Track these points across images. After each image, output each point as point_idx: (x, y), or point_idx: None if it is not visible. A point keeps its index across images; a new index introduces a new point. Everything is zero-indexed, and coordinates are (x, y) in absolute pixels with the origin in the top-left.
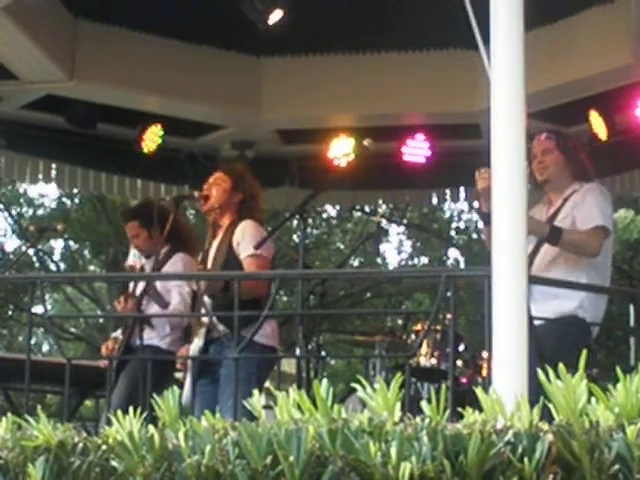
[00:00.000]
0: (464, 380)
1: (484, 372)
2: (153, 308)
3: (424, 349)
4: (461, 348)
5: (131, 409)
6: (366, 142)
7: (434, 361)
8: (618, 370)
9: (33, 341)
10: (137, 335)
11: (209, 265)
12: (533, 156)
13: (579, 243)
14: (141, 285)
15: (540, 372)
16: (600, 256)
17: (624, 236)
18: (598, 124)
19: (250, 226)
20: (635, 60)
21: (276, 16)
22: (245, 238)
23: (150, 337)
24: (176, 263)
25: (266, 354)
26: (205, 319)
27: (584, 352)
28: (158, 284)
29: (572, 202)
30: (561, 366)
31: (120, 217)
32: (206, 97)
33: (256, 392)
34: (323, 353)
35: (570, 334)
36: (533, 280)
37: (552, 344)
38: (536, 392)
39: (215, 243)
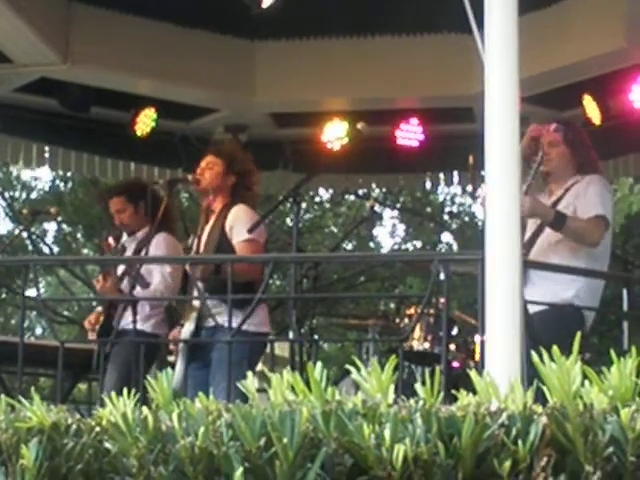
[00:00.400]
0: (456, 364)
1: (477, 356)
2: (134, 289)
3: (417, 333)
4: (454, 332)
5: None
6: (360, 126)
7: (427, 345)
8: (612, 353)
9: (26, 324)
10: (119, 318)
11: (201, 249)
12: (532, 143)
13: (581, 231)
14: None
15: (534, 355)
16: (601, 246)
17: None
18: (592, 108)
19: (243, 210)
20: (629, 44)
21: (270, 0)
22: (238, 223)
23: (131, 320)
24: (159, 244)
25: (255, 345)
26: (197, 303)
27: (577, 336)
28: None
29: (574, 192)
30: (555, 348)
31: (105, 195)
32: (200, 80)
33: (250, 374)
34: (316, 337)
35: (565, 322)
36: (527, 264)
37: (547, 331)
38: (530, 376)
39: (207, 228)
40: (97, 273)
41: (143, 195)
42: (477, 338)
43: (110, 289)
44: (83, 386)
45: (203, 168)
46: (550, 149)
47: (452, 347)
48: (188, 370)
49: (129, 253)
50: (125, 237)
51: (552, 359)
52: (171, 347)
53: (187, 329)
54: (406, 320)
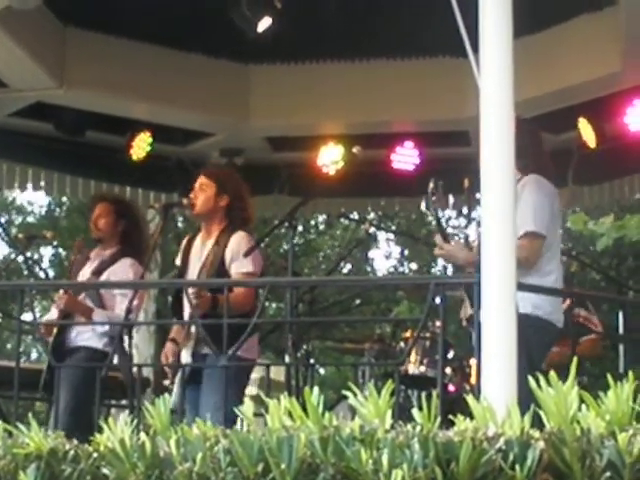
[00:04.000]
0: (452, 388)
1: (472, 380)
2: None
3: (413, 356)
4: (450, 355)
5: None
6: (355, 149)
7: (423, 368)
8: (609, 377)
9: (22, 348)
10: (71, 335)
11: (195, 272)
12: None
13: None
14: (84, 274)
15: (531, 380)
16: (542, 257)
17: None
18: (587, 132)
19: (244, 240)
20: (624, 67)
21: (265, 24)
22: (238, 254)
23: (88, 337)
24: (126, 269)
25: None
26: (193, 331)
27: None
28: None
29: None
30: (552, 374)
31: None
32: (195, 104)
33: (247, 400)
34: (312, 361)
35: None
36: (520, 287)
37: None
38: (526, 399)
39: (206, 248)
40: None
41: (129, 216)
42: (473, 361)
43: (74, 302)
44: None
45: (197, 190)
46: None
47: (448, 370)
48: (185, 392)
49: (88, 268)
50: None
51: (549, 384)
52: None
53: (183, 358)
54: (402, 344)
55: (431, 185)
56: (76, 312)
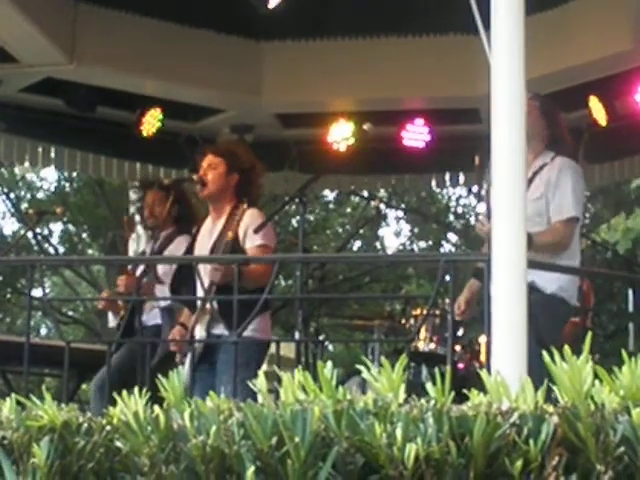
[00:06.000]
0: (461, 365)
1: (482, 357)
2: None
3: (422, 333)
4: (460, 333)
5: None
6: (366, 126)
7: (433, 346)
8: (623, 352)
9: (31, 324)
10: (142, 317)
11: (209, 248)
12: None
13: (550, 244)
14: (141, 267)
15: (545, 355)
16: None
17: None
18: (598, 110)
19: (256, 216)
20: (635, 45)
21: (276, 0)
22: (251, 229)
23: (155, 314)
24: (179, 245)
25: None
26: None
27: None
28: (159, 267)
29: (545, 180)
30: (566, 348)
31: (147, 184)
32: (206, 81)
33: (261, 375)
34: (322, 337)
35: (557, 313)
36: (531, 265)
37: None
38: (538, 374)
39: (217, 227)
40: (103, 274)
41: (183, 200)
42: (482, 339)
43: (132, 285)
44: (88, 386)
45: (205, 169)
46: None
47: (457, 348)
48: (196, 372)
49: (147, 249)
50: (133, 236)
51: (563, 358)
52: (172, 347)
53: (198, 333)
54: (412, 321)
55: (477, 160)
56: (137, 292)
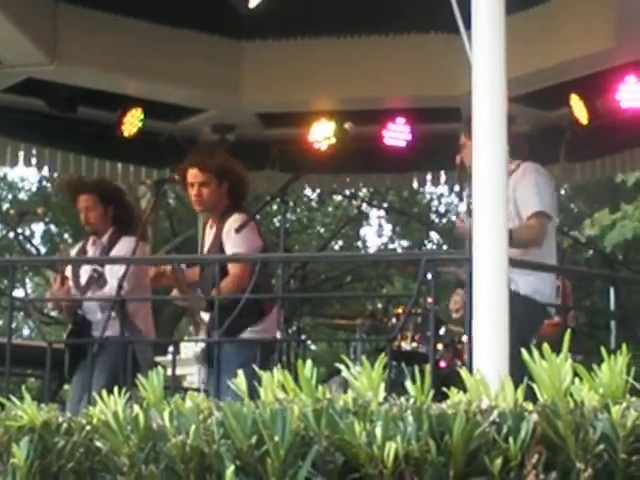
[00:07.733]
0: (444, 364)
1: (464, 356)
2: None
3: (405, 332)
4: (442, 332)
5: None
6: (347, 125)
7: (415, 344)
8: (602, 351)
9: (13, 325)
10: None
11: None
12: None
13: (526, 239)
14: (86, 269)
15: (524, 353)
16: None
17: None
18: (579, 108)
19: (236, 221)
20: (616, 44)
21: (257, 0)
22: (233, 230)
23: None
24: (126, 245)
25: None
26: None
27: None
28: (106, 268)
29: (511, 185)
30: (545, 346)
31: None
32: (187, 80)
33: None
34: (304, 337)
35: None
36: (513, 264)
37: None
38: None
39: (212, 233)
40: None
41: (114, 198)
42: (465, 338)
43: (64, 293)
44: (69, 387)
45: (199, 185)
46: None
47: (439, 347)
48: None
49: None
50: (76, 248)
51: (542, 357)
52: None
53: (198, 345)
54: (394, 320)
55: (458, 159)
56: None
